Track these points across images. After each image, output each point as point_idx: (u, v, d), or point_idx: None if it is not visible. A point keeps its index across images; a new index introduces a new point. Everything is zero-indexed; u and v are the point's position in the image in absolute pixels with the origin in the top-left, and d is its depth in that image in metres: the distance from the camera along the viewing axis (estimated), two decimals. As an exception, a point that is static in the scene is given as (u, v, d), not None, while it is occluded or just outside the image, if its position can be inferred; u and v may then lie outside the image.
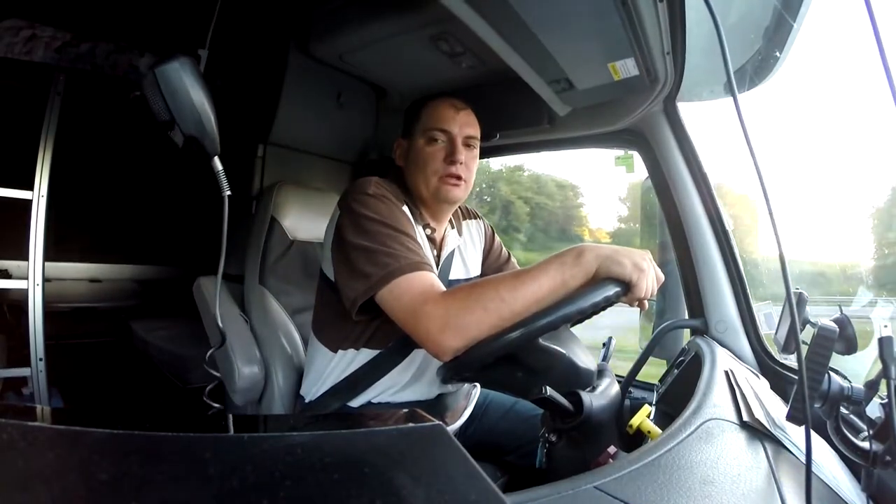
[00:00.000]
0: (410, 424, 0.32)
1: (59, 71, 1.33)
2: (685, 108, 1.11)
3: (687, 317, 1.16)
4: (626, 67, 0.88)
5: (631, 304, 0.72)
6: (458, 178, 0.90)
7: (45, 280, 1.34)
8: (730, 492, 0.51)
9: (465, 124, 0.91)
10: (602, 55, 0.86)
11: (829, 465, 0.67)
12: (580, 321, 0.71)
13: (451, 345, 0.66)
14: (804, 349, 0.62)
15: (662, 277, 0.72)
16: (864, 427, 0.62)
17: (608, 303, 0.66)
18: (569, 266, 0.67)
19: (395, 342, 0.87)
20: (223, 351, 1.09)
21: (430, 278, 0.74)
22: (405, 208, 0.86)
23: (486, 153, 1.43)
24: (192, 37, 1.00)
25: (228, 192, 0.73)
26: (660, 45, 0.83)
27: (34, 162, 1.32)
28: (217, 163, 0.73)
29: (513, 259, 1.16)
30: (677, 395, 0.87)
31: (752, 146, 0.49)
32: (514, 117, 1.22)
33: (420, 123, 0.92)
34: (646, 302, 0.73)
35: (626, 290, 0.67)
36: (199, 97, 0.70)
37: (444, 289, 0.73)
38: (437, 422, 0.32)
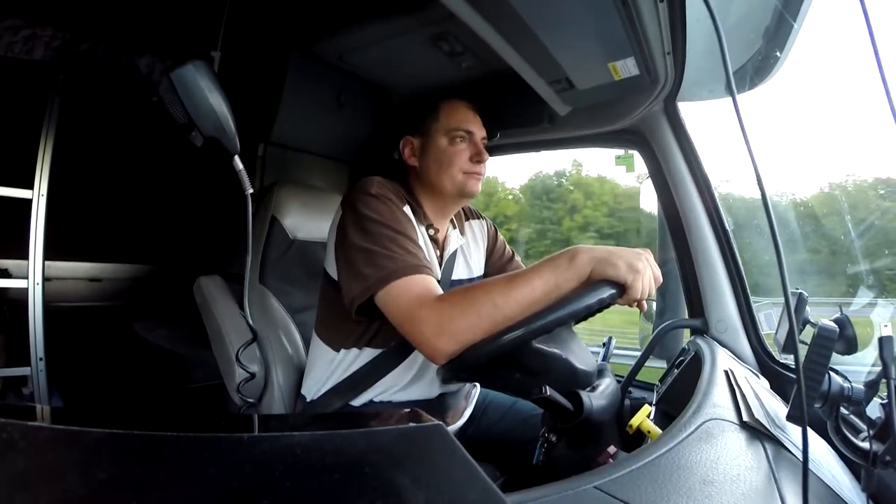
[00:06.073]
0: (411, 424, 0.32)
1: (59, 71, 1.33)
2: (685, 108, 1.11)
3: (687, 317, 1.16)
4: (627, 67, 0.89)
5: (629, 305, 0.72)
6: (480, 174, 0.95)
7: (45, 279, 1.34)
8: (730, 492, 0.51)
9: (480, 126, 0.97)
10: (602, 55, 0.86)
11: (829, 465, 0.67)
12: (577, 322, 0.71)
13: (444, 349, 0.67)
14: (804, 349, 0.63)
15: (660, 278, 0.71)
16: (864, 427, 0.62)
17: (602, 305, 0.66)
18: (562, 269, 0.67)
19: (396, 342, 0.87)
20: (223, 351, 1.09)
21: (427, 281, 0.74)
22: (407, 208, 0.87)
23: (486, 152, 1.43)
24: (202, 39, 1.00)
25: (251, 191, 0.73)
26: (660, 45, 0.83)
27: (34, 161, 1.32)
28: (238, 162, 0.73)
29: (517, 258, 1.15)
30: (677, 395, 0.87)
31: (751, 146, 0.49)
32: (514, 116, 1.22)
33: (440, 123, 0.94)
34: (644, 303, 0.72)
35: (622, 291, 0.66)
36: (216, 99, 0.71)
37: (440, 292, 0.73)
38: (437, 422, 0.32)
